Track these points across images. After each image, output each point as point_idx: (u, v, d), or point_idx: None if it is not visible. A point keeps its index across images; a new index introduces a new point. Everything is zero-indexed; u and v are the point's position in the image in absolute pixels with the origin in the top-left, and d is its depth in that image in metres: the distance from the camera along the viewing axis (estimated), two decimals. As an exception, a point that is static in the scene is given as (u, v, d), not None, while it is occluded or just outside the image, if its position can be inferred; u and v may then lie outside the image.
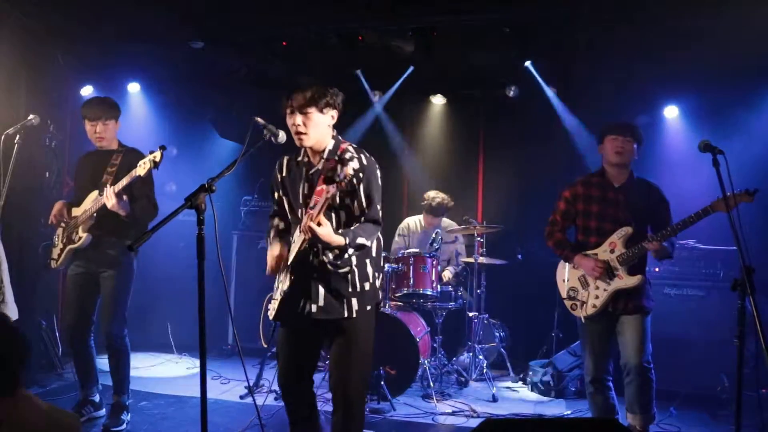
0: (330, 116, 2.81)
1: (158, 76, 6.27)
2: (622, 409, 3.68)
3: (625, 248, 3.51)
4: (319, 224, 2.54)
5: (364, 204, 2.79)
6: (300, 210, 2.84)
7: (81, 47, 5.48)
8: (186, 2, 5.08)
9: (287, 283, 2.79)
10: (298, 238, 2.78)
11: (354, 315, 2.80)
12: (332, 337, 2.86)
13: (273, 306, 2.87)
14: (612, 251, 3.55)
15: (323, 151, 2.83)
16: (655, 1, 4.73)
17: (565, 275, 3.74)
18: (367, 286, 2.84)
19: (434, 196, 5.77)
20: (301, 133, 2.74)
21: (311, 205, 2.68)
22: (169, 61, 6.03)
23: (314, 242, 2.64)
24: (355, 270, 2.81)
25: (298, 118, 2.73)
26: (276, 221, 3.06)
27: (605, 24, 5.07)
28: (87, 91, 5.85)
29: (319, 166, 2.81)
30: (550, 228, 3.78)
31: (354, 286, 2.81)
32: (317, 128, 2.77)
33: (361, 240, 2.71)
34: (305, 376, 2.97)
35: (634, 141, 3.58)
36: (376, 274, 2.91)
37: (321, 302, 2.78)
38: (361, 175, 2.75)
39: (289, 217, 2.96)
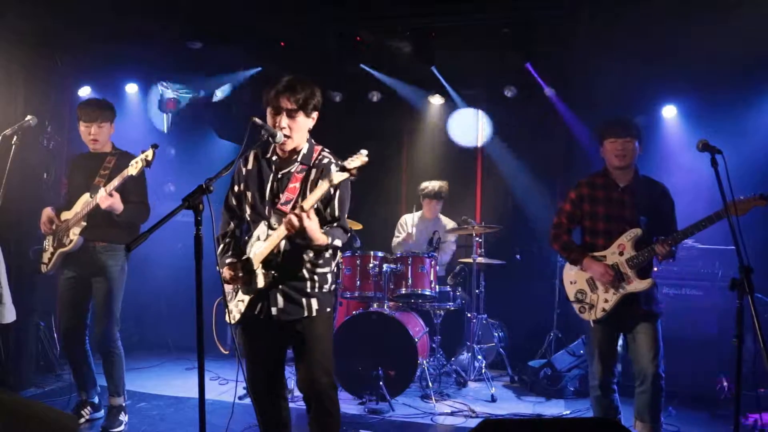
0: (312, 118, 2.79)
1: (156, 77, 6.26)
2: (623, 409, 3.66)
3: (635, 251, 3.37)
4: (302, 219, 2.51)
5: (337, 211, 2.78)
6: (266, 208, 2.76)
7: (79, 48, 5.47)
8: (184, 2, 5.08)
9: (261, 283, 2.72)
10: (266, 236, 2.72)
11: (314, 314, 2.78)
12: (294, 337, 2.82)
13: (236, 309, 2.79)
14: (621, 253, 3.40)
15: (298, 152, 2.80)
16: (653, 1, 4.74)
17: (573, 277, 3.58)
18: (325, 289, 2.84)
19: (431, 183, 5.88)
20: (286, 136, 2.71)
21: (282, 201, 2.69)
22: (168, 62, 6.02)
23: (296, 236, 2.57)
24: (316, 274, 2.80)
25: (284, 121, 2.70)
26: (231, 225, 2.91)
27: (603, 24, 5.08)
28: (85, 91, 5.84)
29: (293, 169, 2.77)
30: (556, 231, 3.63)
31: (314, 287, 2.80)
32: (301, 131, 2.76)
33: (337, 242, 2.73)
34: (276, 383, 2.92)
35: (635, 139, 3.42)
36: (334, 282, 2.92)
37: (281, 304, 2.74)
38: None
39: (248, 213, 2.85)
